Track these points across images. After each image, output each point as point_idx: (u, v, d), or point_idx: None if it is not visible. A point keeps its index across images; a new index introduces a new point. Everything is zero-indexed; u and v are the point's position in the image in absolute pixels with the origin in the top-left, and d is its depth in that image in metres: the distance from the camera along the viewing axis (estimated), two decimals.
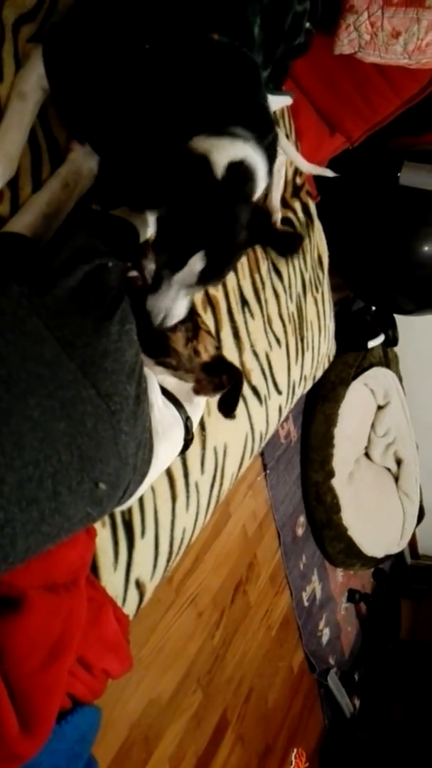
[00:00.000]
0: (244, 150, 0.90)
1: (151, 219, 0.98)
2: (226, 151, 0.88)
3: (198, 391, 1.05)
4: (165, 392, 1.00)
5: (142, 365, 0.91)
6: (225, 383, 1.03)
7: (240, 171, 0.89)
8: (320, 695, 2.96)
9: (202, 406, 1.09)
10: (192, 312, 1.03)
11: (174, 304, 0.92)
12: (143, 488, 0.96)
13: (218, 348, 1.11)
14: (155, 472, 0.97)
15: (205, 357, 1.05)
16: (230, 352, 1.34)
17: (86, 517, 0.82)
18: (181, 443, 1.02)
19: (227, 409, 1.05)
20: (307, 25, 1.30)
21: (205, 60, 0.95)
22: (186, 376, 1.04)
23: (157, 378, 1.00)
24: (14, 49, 0.94)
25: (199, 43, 0.94)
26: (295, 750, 2.63)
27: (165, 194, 0.89)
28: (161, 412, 0.96)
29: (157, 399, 0.96)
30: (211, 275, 0.92)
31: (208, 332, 1.11)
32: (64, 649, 0.81)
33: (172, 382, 1.02)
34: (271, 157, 0.99)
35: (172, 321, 0.93)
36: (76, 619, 0.84)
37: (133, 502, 1.00)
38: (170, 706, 1.88)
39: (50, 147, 0.99)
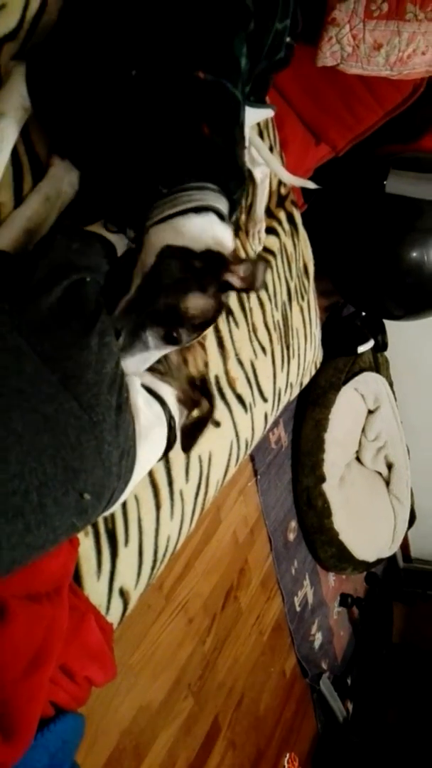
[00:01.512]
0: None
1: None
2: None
3: (179, 399, 1.06)
4: (150, 391, 1.01)
5: (123, 375, 0.92)
6: (200, 404, 1.05)
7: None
8: (313, 700, 2.97)
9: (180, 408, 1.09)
10: None
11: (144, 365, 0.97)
12: (126, 493, 0.97)
13: (206, 364, 1.12)
14: (137, 475, 0.98)
15: (192, 369, 1.06)
16: (215, 361, 1.36)
17: (71, 527, 0.84)
18: (163, 443, 1.03)
19: (187, 441, 1.05)
20: (288, 39, 1.32)
21: (188, 99, 0.95)
22: (171, 381, 1.05)
23: (142, 380, 1.00)
24: None
25: (184, 80, 0.95)
26: (288, 755, 2.64)
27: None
28: (144, 414, 0.98)
29: (139, 402, 0.97)
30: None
31: (201, 344, 1.12)
32: (45, 657, 0.82)
33: (153, 381, 1.03)
34: (233, 210, 1.02)
35: None
36: (57, 628, 0.85)
37: (116, 507, 1.01)
38: (161, 713, 1.89)
39: (32, 163, 1.01)
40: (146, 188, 0.93)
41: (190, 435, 1.06)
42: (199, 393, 1.06)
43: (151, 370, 1.03)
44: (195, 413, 1.07)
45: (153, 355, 0.94)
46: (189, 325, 0.91)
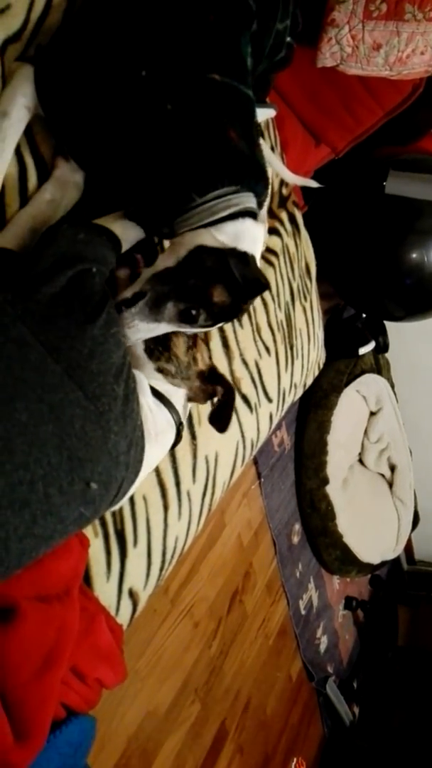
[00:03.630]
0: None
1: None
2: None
3: (191, 398, 1.07)
4: (157, 394, 1.01)
5: (130, 366, 0.92)
6: (217, 393, 1.06)
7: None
8: (319, 704, 2.96)
9: (188, 407, 1.12)
10: None
11: (146, 335, 0.96)
12: (134, 487, 0.97)
13: (210, 357, 1.13)
14: (144, 473, 0.98)
15: (201, 366, 1.08)
16: (220, 361, 1.36)
17: (80, 517, 0.83)
18: (170, 445, 1.04)
19: (221, 424, 1.07)
20: (288, 39, 1.32)
21: (209, 103, 0.96)
22: (181, 383, 1.05)
23: (152, 383, 1.01)
24: (1, 69, 0.96)
25: (200, 83, 0.95)
26: (295, 759, 2.63)
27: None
28: (153, 414, 0.98)
29: (147, 400, 0.98)
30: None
31: (204, 340, 1.13)
32: (57, 658, 0.81)
33: (165, 387, 1.03)
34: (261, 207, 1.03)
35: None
36: (69, 629, 0.85)
37: (125, 500, 1.01)
38: (168, 718, 1.88)
39: (36, 164, 1.01)
40: (175, 194, 0.93)
41: (220, 418, 1.07)
42: (211, 385, 1.06)
43: (162, 372, 1.03)
44: (215, 400, 1.08)
45: (161, 328, 0.95)
46: (209, 309, 0.93)
